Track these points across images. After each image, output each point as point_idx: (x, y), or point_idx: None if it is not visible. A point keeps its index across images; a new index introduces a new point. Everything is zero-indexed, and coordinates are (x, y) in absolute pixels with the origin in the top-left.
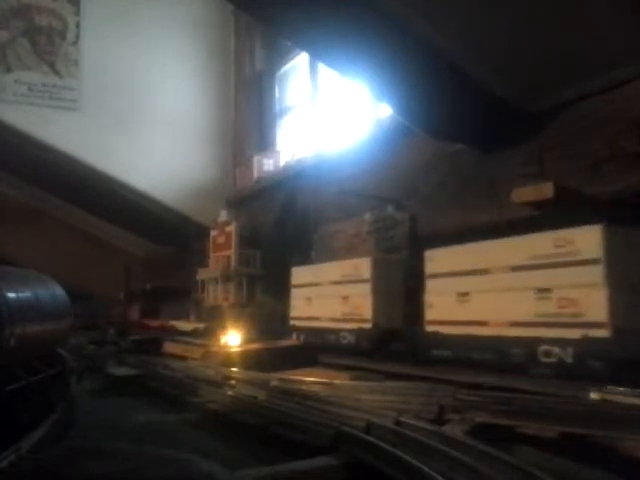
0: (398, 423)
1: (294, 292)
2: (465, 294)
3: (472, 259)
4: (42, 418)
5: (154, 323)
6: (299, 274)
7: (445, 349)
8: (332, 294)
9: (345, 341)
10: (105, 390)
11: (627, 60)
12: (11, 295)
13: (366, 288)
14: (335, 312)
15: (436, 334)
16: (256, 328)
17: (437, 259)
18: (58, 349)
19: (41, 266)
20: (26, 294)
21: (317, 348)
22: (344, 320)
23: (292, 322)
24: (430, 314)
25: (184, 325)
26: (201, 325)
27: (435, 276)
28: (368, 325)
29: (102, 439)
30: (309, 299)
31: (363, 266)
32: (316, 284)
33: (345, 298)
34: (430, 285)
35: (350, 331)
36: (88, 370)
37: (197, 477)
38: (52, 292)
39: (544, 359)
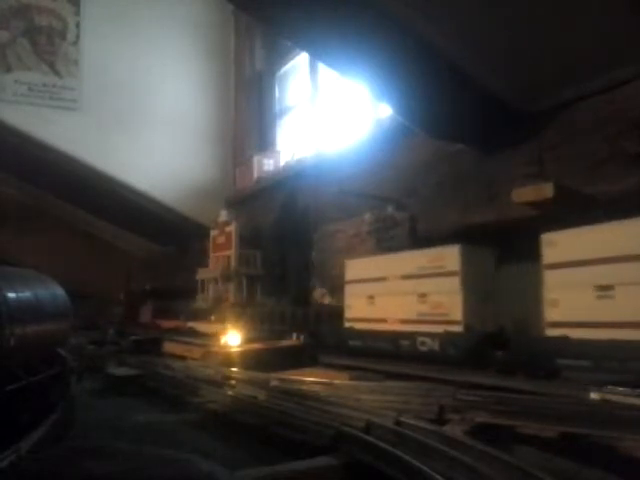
0: (398, 423)
1: (349, 289)
2: (607, 287)
3: (612, 243)
4: (42, 418)
5: (169, 324)
6: (356, 267)
7: (580, 357)
8: (404, 290)
9: (424, 348)
10: (105, 390)
11: (627, 60)
12: (11, 295)
13: (453, 283)
14: (409, 312)
15: (564, 339)
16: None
17: (561, 244)
18: (58, 349)
19: (41, 266)
20: (26, 294)
21: (382, 356)
22: (421, 322)
23: (348, 324)
24: (553, 314)
25: (205, 327)
26: (225, 326)
27: (559, 266)
28: (457, 328)
29: (102, 439)
30: (371, 297)
31: (448, 256)
32: (381, 279)
33: (423, 295)
34: (552, 278)
35: (432, 335)
36: (88, 370)
37: (197, 477)
38: (52, 292)
39: None
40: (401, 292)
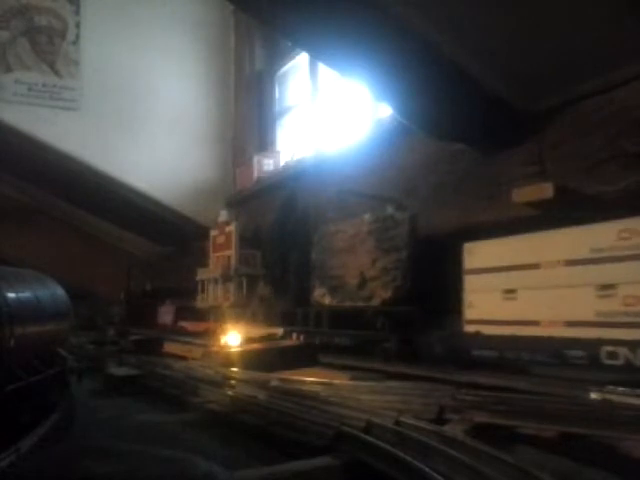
0: (398, 423)
1: (472, 280)
2: None
3: None
4: (42, 418)
5: (198, 327)
6: (484, 252)
7: None
8: (570, 281)
9: (616, 361)
10: (105, 390)
11: (627, 60)
12: (11, 295)
13: None
14: (581, 311)
15: None
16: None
17: None
18: (58, 349)
19: (41, 266)
20: (26, 294)
21: (530, 372)
22: (605, 325)
23: (469, 327)
24: None
25: (247, 330)
26: (278, 330)
27: None
28: None
29: (102, 439)
30: (511, 291)
31: None
32: (529, 266)
33: (607, 287)
34: None
35: (630, 344)
36: (88, 370)
37: (197, 477)
38: (52, 292)
39: None
40: (565, 283)
